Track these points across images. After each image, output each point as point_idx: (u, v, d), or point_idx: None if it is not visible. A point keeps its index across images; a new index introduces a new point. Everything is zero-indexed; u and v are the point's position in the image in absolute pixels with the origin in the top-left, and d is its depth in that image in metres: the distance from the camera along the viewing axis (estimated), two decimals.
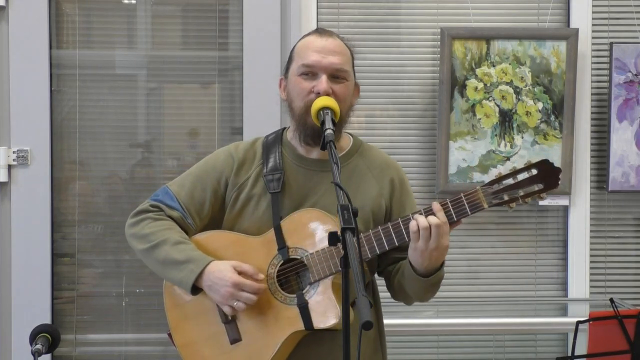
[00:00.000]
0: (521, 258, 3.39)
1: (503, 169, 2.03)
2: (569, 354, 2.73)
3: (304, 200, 2.09)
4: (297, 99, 2.08)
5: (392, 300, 2.24)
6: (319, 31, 2.15)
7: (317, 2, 3.30)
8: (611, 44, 3.31)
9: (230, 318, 2.06)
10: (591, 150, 3.36)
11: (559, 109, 3.29)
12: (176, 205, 2.14)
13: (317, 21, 3.28)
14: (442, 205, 1.96)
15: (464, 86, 3.26)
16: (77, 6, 3.30)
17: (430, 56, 3.34)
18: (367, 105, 3.31)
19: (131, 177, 3.35)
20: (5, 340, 3.20)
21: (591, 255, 3.37)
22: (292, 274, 2.07)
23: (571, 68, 3.26)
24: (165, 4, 3.39)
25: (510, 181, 1.98)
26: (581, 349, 2.74)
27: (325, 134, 1.90)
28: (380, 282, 2.21)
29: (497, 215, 3.37)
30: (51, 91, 3.22)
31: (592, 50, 3.35)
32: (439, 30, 3.26)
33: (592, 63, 3.35)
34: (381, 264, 2.17)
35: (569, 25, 3.34)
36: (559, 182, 1.99)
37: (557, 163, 3.10)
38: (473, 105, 3.27)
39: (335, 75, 2.06)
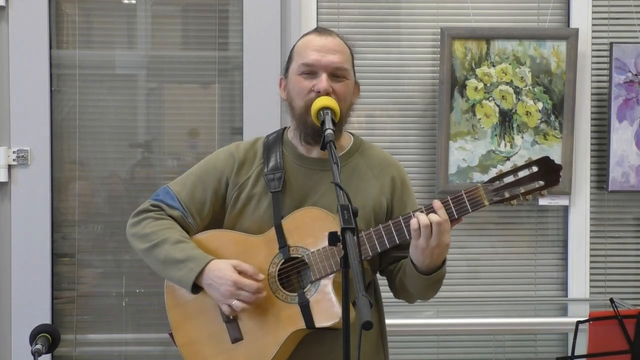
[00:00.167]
0: (521, 258, 3.40)
1: (503, 169, 2.03)
2: (569, 354, 2.73)
3: (305, 199, 2.09)
4: (298, 98, 2.08)
5: (392, 300, 2.24)
6: (319, 30, 2.15)
7: (317, 2, 3.30)
8: (611, 44, 3.31)
9: (231, 317, 2.06)
10: (591, 150, 3.36)
11: (559, 109, 3.29)
12: (177, 204, 2.14)
13: (317, 21, 3.28)
14: (442, 203, 1.96)
15: (464, 86, 3.26)
16: (77, 6, 3.30)
17: (430, 56, 3.34)
18: (367, 105, 3.31)
19: (131, 177, 3.35)
20: (5, 340, 3.20)
21: (591, 255, 3.37)
22: (293, 273, 2.07)
23: (571, 68, 3.26)
24: (165, 4, 3.39)
25: (511, 178, 1.99)
26: (581, 349, 2.74)
27: (325, 134, 1.90)
28: (383, 283, 2.21)
29: (497, 215, 3.38)
30: (51, 91, 3.23)
31: (592, 50, 3.35)
32: (439, 30, 3.26)
33: (592, 63, 3.35)
34: (383, 262, 2.17)
35: (569, 25, 3.34)
36: (560, 179, 1.99)
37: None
38: (473, 105, 3.27)
39: (335, 74, 2.06)
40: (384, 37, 3.36)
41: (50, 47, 3.22)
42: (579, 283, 3.35)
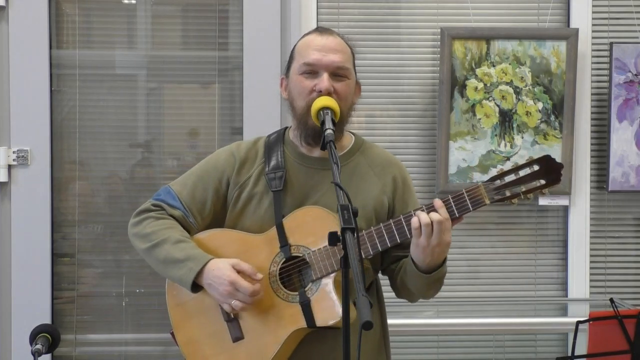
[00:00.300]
0: (521, 258, 3.40)
1: (503, 169, 2.03)
2: (569, 354, 2.73)
3: (306, 198, 2.09)
4: (299, 98, 2.08)
5: (392, 300, 2.24)
6: (320, 30, 2.15)
7: (317, 2, 3.30)
8: (611, 44, 3.31)
9: (232, 316, 2.06)
10: (591, 150, 3.36)
11: (559, 109, 3.29)
12: (178, 204, 2.15)
13: (317, 21, 3.28)
14: (443, 202, 1.96)
15: (464, 86, 3.26)
16: (77, 6, 3.30)
17: (430, 56, 3.34)
18: (368, 105, 3.31)
19: (131, 177, 3.35)
20: (5, 340, 3.20)
21: (591, 255, 3.37)
22: (294, 272, 2.07)
23: (571, 68, 3.26)
24: (165, 4, 3.39)
25: (512, 177, 1.98)
26: (581, 349, 2.74)
27: (325, 134, 1.90)
28: (385, 283, 2.21)
29: (497, 215, 3.38)
30: (51, 91, 3.22)
31: (592, 50, 3.35)
32: (439, 30, 3.26)
33: (592, 63, 3.35)
34: (384, 262, 2.17)
35: (569, 25, 3.34)
36: (561, 178, 1.99)
37: None
38: (473, 105, 3.27)
39: (337, 74, 2.06)
40: (384, 37, 3.36)
41: (50, 47, 3.22)
42: (579, 283, 3.35)
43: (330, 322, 1.98)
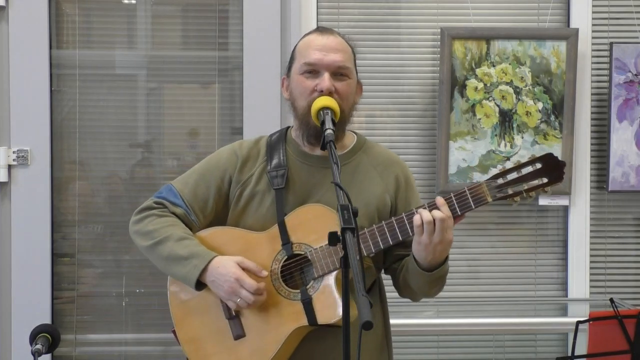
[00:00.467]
0: (521, 258, 3.39)
1: (500, 169, 2.02)
2: (569, 354, 2.73)
3: (308, 196, 2.10)
4: (300, 98, 2.08)
5: (393, 300, 2.24)
6: (320, 29, 2.16)
7: (317, 2, 3.30)
8: (611, 44, 3.31)
9: (234, 314, 2.06)
10: (591, 150, 3.36)
11: (559, 109, 3.29)
12: (180, 202, 2.15)
13: (317, 21, 3.28)
14: (446, 199, 1.96)
15: (464, 86, 3.26)
16: (77, 6, 3.30)
17: (430, 56, 3.34)
18: (368, 105, 3.31)
19: (131, 177, 3.35)
20: (5, 340, 3.20)
21: (591, 255, 3.37)
22: (296, 270, 2.07)
23: (571, 68, 3.26)
24: (165, 4, 3.39)
25: (514, 175, 1.98)
26: (581, 349, 2.74)
27: (325, 134, 1.90)
28: (388, 283, 2.20)
29: (497, 215, 3.38)
30: (51, 91, 3.23)
31: (592, 50, 3.35)
32: (439, 30, 3.26)
33: (592, 63, 3.35)
34: (386, 261, 2.17)
35: (569, 25, 3.34)
36: (564, 176, 1.99)
37: None
38: (473, 105, 3.27)
39: (338, 73, 2.07)
40: (384, 37, 3.36)
41: (50, 47, 3.22)
42: (579, 283, 3.35)
43: (332, 320, 1.98)
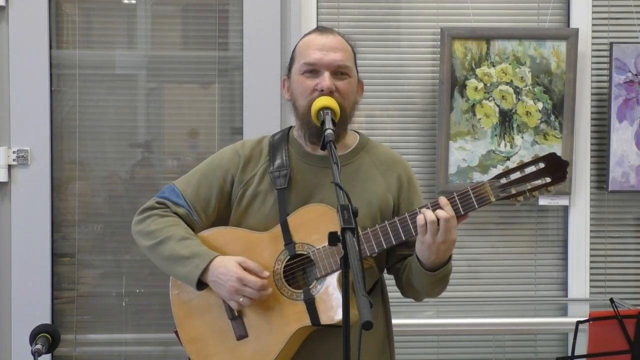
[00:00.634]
0: (521, 258, 3.39)
1: (503, 169, 2.02)
2: (569, 354, 2.73)
3: (311, 196, 2.09)
4: (301, 98, 2.08)
5: (393, 300, 2.24)
6: (320, 29, 2.16)
7: (317, 2, 3.30)
8: (611, 44, 3.31)
9: (236, 314, 2.06)
10: (591, 150, 3.36)
11: (559, 109, 3.29)
12: (182, 202, 2.15)
13: (317, 21, 3.28)
14: (449, 199, 1.96)
15: (464, 86, 3.26)
16: (77, 6, 3.30)
17: (430, 56, 3.34)
18: (368, 105, 3.31)
19: (131, 177, 3.35)
20: (5, 340, 3.20)
21: (591, 255, 3.37)
22: (298, 270, 2.06)
23: (571, 68, 3.26)
24: (165, 4, 3.39)
25: (517, 174, 1.98)
26: (581, 349, 2.74)
27: (325, 134, 1.90)
28: (390, 283, 2.20)
29: (497, 215, 3.38)
30: (51, 91, 3.23)
31: (592, 50, 3.35)
32: (439, 30, 3.26)
33: (592, 63, 3.35)
34: (389, 260, 2.17)
35: (569, 25, 3.34)
36: (567, 175, 1.99)
37: None
38: (473, 105, 3.27)
39: (338, 72, 2.07)
40: (384, 37, 3.36)
41: (50, 47, 3.22)
42: (579, 283, 3.35)
43: (335, 321, 1.98)
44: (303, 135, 2.13)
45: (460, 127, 3.27)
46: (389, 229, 2.00)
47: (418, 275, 2.02)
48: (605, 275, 3.40)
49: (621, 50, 3.30)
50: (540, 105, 3.29)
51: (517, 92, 3.28)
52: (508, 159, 3.28)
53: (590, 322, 2.70)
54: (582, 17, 3.33)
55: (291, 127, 2.23)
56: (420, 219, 1.93)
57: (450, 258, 2.01)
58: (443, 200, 1.96)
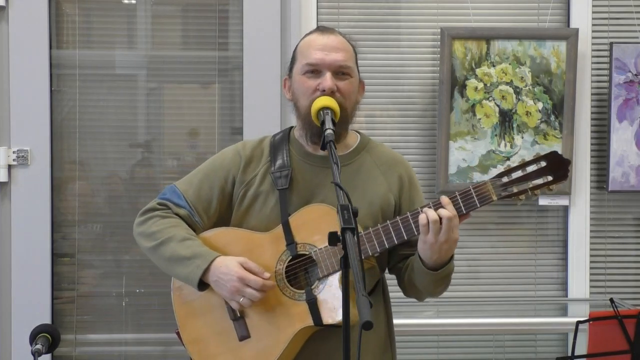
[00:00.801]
0: (521, 258, 3.40)
1: (504, 168, 2.02)
2: (569, 354, 2.73)
3: (312, 196, 2.09)
4: (303, 98, 2.08)
5: (393, 300, 2.24)
6: (321, 29, 2.16)
7: (317, 2, 3.30)
8: (611, 44, 3.31)
9: (238, 315, 2.06)
10: (591, 150, 3.36)
11: (559, 109, 3.29)
12: (183, 203, 2.15)
13: (317, 21, 3.28)
14: (450, 198, 1.96)
15: (464, 86, 3.26)
16: (77, 6, 3.30)
17: (430, 56, 3.34)
18: (368, 105, 3.31)
19: (131, 177, 3.35)
20: (5, 340, 3.20)
21: (591, 255, 3.37)
22: (300, 270, 2.06)
23: (571, 68, 3.26)
24: (165, 4, 3.39)
25: (519, 173, 1.98)
26: (581, 349, 2.74)
27: (325, 134, 1.90)
28: (391, 282, 2.20)
29: (497, 215, 3.38)
30: (51, 91, 3.23)
31: (592, 50, 3.35)
32: (439, 30, 3.26)
33: (592, 63, 3.35)
34: (391, 260, 2.17)
35: (569, 25, 3.34)
36: (568, 174, 1.98)
37: None
38: (473, 105, 3.27)
39: (339, 72, 2.07)
40: (384, 37, 3.36)
41: (50, 47, 3.22)
42: (579, 283, 3.35)
43: (337, 320, 1.98)
44: (304, 136, 2.12)
45: (460, 127, 3.27)
46: (390, 229, 1.99)
47: (420, 275, 2.02)
48: (605, 275, 3.40)
49: (621, 50, 3.30)
50: (540, 105, 3.29)
51: (517, 92, 3.28)
52: (508, 159, 3.28)
53: (590, 322, 2.70)
54: (582, 17, 3.33)
55: (292, 127, 2.23)
56: (422, 218, 1.93)
57: (452, 257, 2.01)
58: (445, 199, 1.96)
